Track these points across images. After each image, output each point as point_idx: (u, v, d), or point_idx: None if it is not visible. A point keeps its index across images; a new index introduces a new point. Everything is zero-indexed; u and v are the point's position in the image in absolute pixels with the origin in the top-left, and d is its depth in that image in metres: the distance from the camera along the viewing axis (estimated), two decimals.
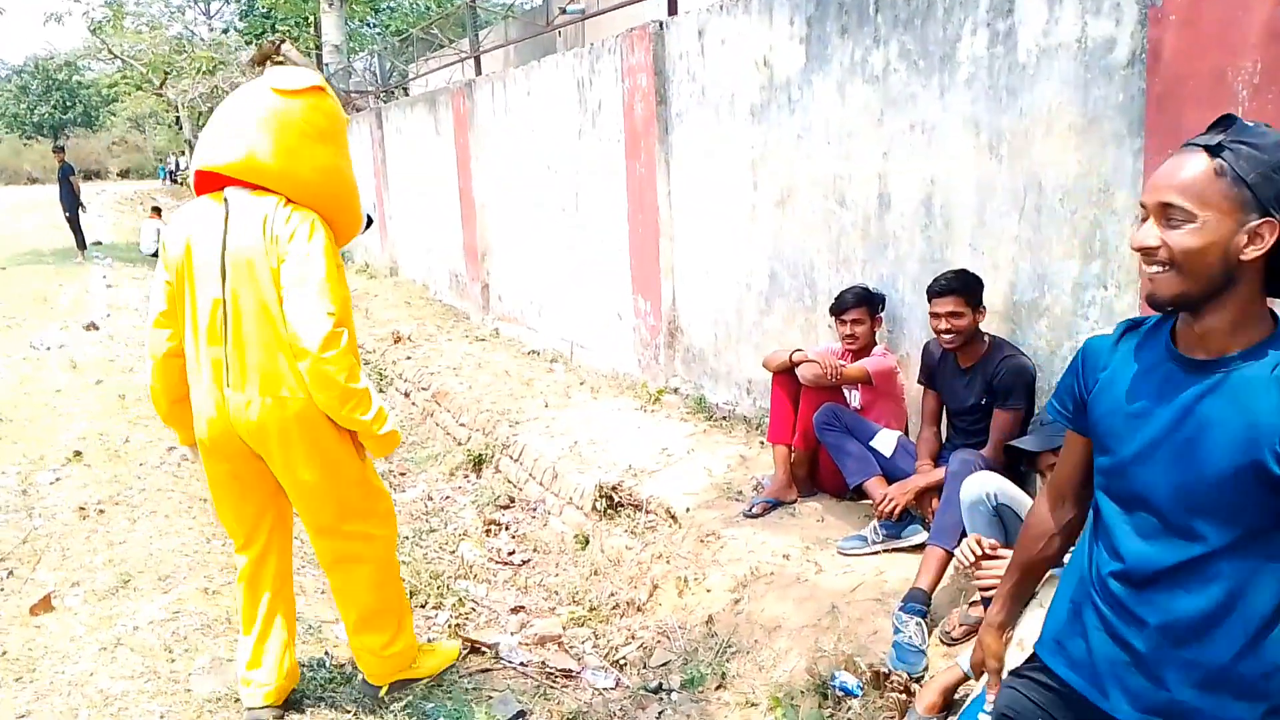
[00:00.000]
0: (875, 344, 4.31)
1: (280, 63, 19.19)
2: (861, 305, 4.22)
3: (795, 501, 4.34)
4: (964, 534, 3.29)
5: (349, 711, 3.18)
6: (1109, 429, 1.69)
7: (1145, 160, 3.20)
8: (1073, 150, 3.49)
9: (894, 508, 3.73)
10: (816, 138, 4.76)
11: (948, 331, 3.66)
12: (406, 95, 14.15)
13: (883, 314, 4.33)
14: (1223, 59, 2.93)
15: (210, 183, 2.84)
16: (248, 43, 24.26)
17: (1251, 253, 1.50)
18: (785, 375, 4.34)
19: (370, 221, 3.16)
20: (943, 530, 3.34)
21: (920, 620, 3.13)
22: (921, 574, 3.29)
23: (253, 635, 3.04)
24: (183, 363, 2.88)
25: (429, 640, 3.71)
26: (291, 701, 3.13)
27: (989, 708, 1.95)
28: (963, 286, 3.63)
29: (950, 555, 3.29)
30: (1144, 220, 1.60)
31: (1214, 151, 1.50)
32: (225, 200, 2.75)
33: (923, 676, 2.99)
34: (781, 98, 4.97)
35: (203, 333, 2.75)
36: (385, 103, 13.54)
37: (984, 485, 3.20)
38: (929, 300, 3.71)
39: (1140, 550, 1.62)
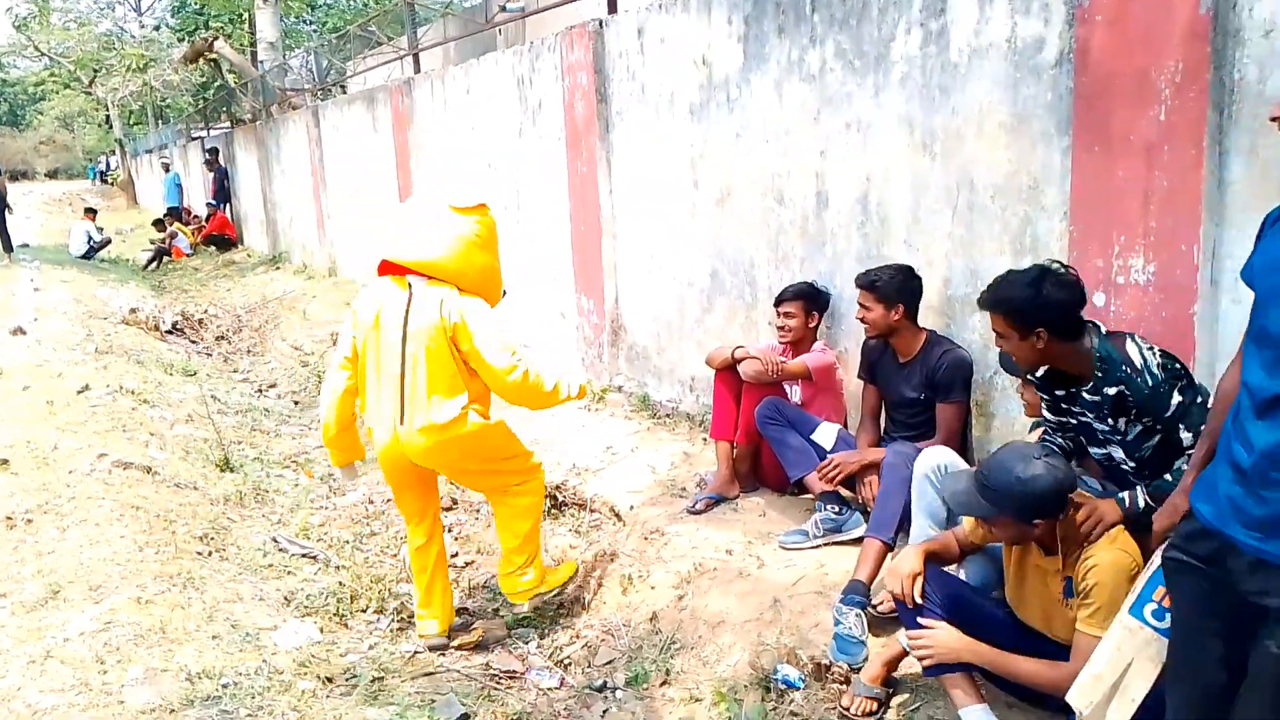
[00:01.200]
0: (815, 340, 4.35)
1: (213, 60, 18.85)
2: (798, 299, 4.26)
3: (737, 497, 4.37)
4: (905, 522, 3.35)
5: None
6: (1253, 278, 1.90)
7: (1073, 158, 3.28)
8: (1003, 148, 3.56)
9: (838, 474, 3.80)
10: (755, 136, 4.79)
11: (862, 320, 3.83)
12: (344, 93, 13.96)
13: (821, 313, 4.35)
14: (1147, 58, 3.01)
15: (392, 267, 3.69)
16: (180, 39, 23.73)
17: None
18: (727, 372, 4.36)
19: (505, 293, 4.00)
20: (881, 522, 3.39)
21: (860, 611, 3.17)
22: (860, 566, 3.33)
23: (425, 586, 3.93)
24: (354, 399, 3.78)
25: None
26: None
27: None
28: (868, 284, 3.76)
29: (889, 548, 3.34)
30: None
31: None
32: (409, 286, 3.60)
33: (862, 667, 3.03)
34: (720, 96, 5.00)
35: (385, 381, 3.59)
36: (322, 101, 13.35)
37: (937, 458, 3.27)
38: None
39: (1261, 381, 1.80)
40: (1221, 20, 2.84)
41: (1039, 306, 2.67)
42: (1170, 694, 2.10)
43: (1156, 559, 2.20)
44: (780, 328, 4.32)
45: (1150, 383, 2.63)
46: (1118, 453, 2.82)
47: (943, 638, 2.61)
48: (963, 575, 3.09)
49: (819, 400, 4.27)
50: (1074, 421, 2.92)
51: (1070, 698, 2.34)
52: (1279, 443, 1.76)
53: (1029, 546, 2.72)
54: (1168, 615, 2.14)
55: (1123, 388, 2.68)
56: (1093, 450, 2.93)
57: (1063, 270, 2.73)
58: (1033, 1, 3.37)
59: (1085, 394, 2.79)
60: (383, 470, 3.80)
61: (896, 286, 3.73)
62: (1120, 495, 2.65)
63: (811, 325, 4.32)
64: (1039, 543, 2.68)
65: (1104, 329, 2.78)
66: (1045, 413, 3.02)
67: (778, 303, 4.34)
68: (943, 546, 2.89)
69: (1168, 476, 2.66)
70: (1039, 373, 2.91)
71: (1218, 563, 1.88)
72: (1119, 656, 2.26)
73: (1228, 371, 2.10)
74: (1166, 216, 3.02)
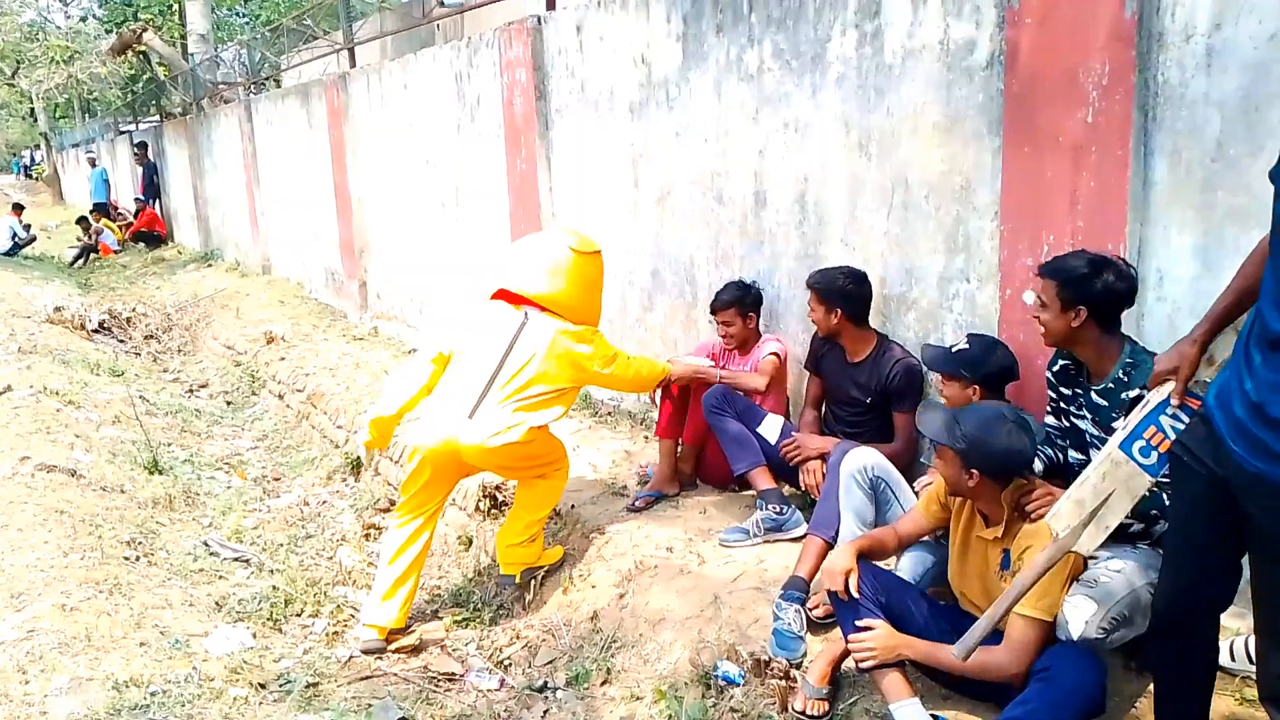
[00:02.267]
0: (758, 336, 4.38)
1: (142, 52, 18.37)
2: (731, 307, 4.29)
3: (678, 495, 4.38)
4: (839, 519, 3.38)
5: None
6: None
7: (1004, 158, 3.34)
8: (937, 148, 3.61)
9: (800, 455, 3.87)
10: (694, 135, 4.80)
11: (811, 319, 3.92)
12: (278, 87, 13.70)
13: (757, 311, 4.36)
14: (1074, 60, 3.07)
15: (507, 294, 4.05)
16: (108, 31, 23.07)
17: None
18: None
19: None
20: (822, 521, 3.41)
21: (800, 607, 3.19)
22: (801, 562, 3.35)
23: (397, 577, 3.92)
24: (424, 396, 4.02)
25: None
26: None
27: (1171, 411, 2.31)
28: (810, 285, 3.87)
29: (830, 545, 3.36)
30: None
31: None
32: (525, 314, 3.95)
33: (802, 662, 3.05)
34: (660, 95, 5.00)
35: (468, 383, 3.85)
36: (255, 95, 13.08)
37: (863, 459, 3.31)
38: None
39: (1270, 314, 1.93)
40: (1146, 24, 2.91)
41: (1090, 285, 2.75)
42: (1162, 575, 2.33)
43: (1154, 398, 2.37)
44: (723, 335, 4.36)
45: None
46: None
47: (881, 638, 2.64)
48: (898, 572, 3.13)
49: (766, 393, 4.29)
50: (1068, 425, 2.98)
51: (1050, 520, 2.48)
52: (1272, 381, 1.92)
53: (973, 518, 2.78)
54: (1154, 453, 2.35)
55: (1144, 390, 2.74)
56: (1073, 455, 2.99)
57: (1124, 264, 2.81)
58: (964, 4, 3.43)
59: (1094, 394, 2.85)
60: (422, 461, 3.88)
61: (836, 290, 3.79)
62: None
63: (751, 326, 4.34)
64: (979, 508, 2.75)
65: (1137, 343, 2.86)
66: (1047, 418, 3.08)
67: (713, 311, 4.36)
68: (876, 543, 2.93)
69: None
70: (1055, 367, 2.98)
71: (1221, 466, 2.04)
72: (1102, 486, 2.41)
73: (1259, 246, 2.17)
74: (1094, 216, 3.09)
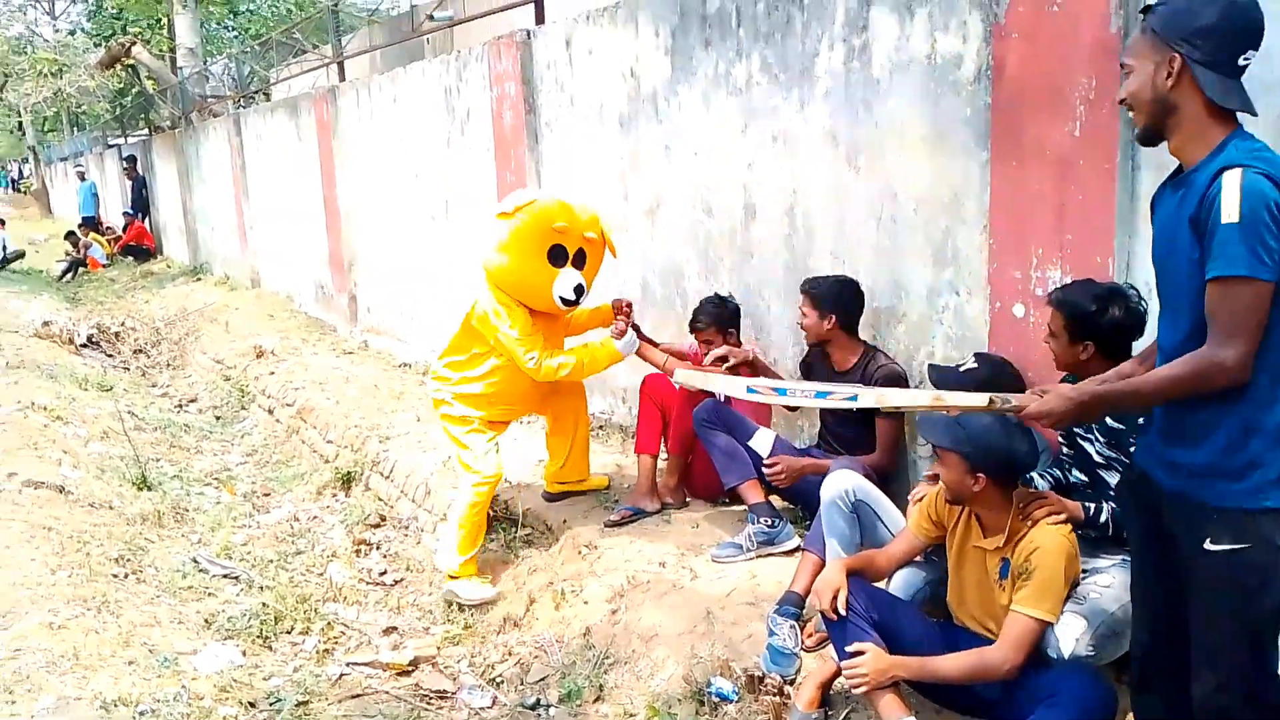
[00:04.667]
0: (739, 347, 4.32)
1: (131, 66, 18.34)
2: (710, 327, 4.26)
3: (658, 511, 4.35)
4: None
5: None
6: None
7: (992, 171, 3.35)
8: (925, 161, 3.62)
9: (784, 475, 3.83)
10: (684, 148, 4.81)
11: (801, 326, 3.91)
12: (267, 100, 13.69)
13: (736, 325, 4.33)
14: (1061, 75, 3.08)
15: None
16: (96, 44, 22.98)
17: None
18: (654, 386, 4.36)
19: None
20: (818, 536, 3.39)
21: (794, 623, 3.18)
22: (796, 578, 3.34)
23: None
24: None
25: None
26: None
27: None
28: (805, 290, 3.85)
29: (824, 562, 3.35)
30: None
31: (1144, 13, 2.06)
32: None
33: (795, 679, 3.05)
34: (649, 108, 5.01)
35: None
36: (244, 108, 13.07)
37: (842, 483, 3.29)
38: None
39: (1165, 338, 2.11)
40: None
41: (1097, 321, 2.77)
42: (1133, 631, 2.38)
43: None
44: (705, 353, 4.27)
45: None
46: (1113, 478, 2.83)
47: (872, 662, 2.63)
48: (891, 590, 3.12)
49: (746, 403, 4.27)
50: (1074, 449, 2.97)
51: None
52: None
53: (969, 528, 2.78)
54: None
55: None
56: (1075, 475, 2.98)
57: (1135, 298, 2.82)
58: (951, 18, 3.44)
59: (1109, 418, 2.84)
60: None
61: (832, 296, 3.78)
62: (1087, 504, 2.76)
63: (732, 342, 4.29)
64: (978, 516, 2.74)
65: None
66: (1061, 445, 3.04)
67: (692, 331, 4.32)
68: (866, 562, 2.94)
69: None
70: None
71: (1152, 501, 2.15)
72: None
73: None
74: (1082, 228, 3.10)
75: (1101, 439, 2.86)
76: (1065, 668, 2.54)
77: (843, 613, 2.70)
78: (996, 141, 3.32)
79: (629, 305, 4.37)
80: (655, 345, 4.39)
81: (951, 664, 2.63)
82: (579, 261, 4.19)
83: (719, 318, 4.27)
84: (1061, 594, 2.56)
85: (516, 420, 4.65)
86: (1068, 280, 3.14)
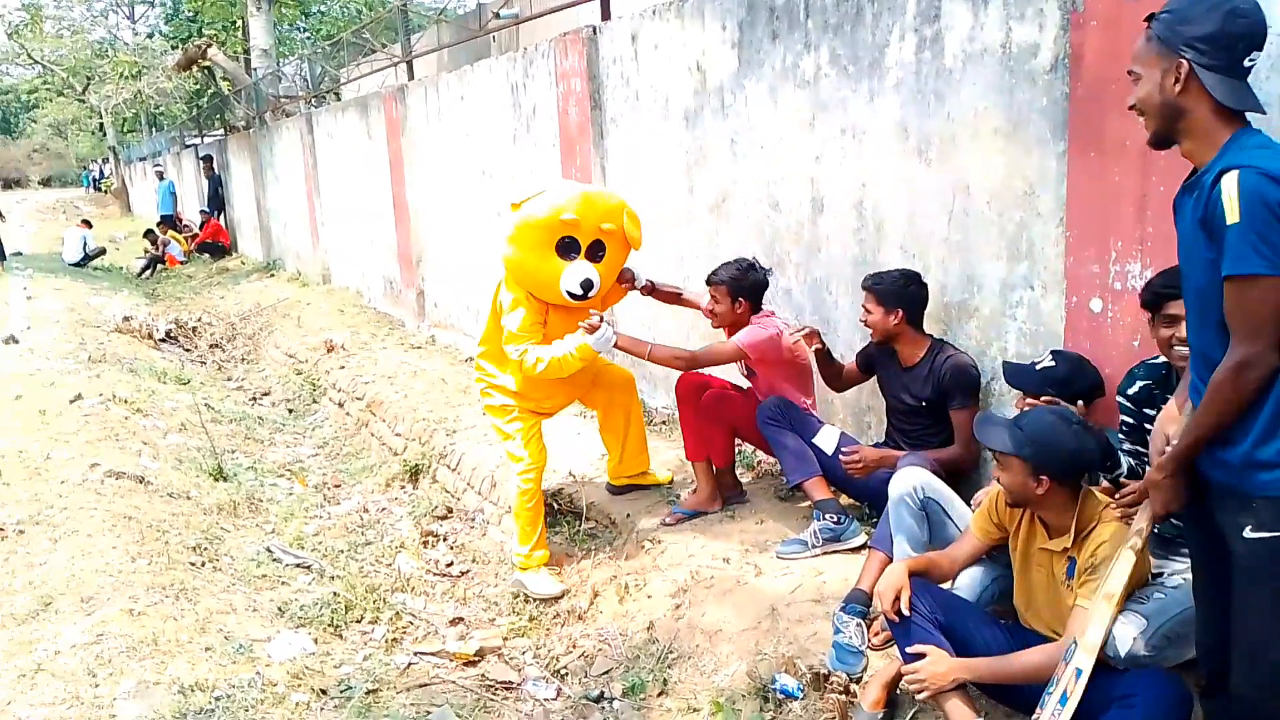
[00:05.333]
0: (749, 322, 4.14)
1: (206, 67, 18.82)
2: (722, 285, 4.12)
3: (719, 510, 4.34)
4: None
5: None
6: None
7: (1069, 163, 3.26)
8: (998, 154, 3.54)
9: (862, 465, 3.77)
10: (750, 142, 4.78)
11: (865, 323, 3.83)
12: (338, 100, 13.93)
13: (750, 298, 4.14)
14: None
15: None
16: (173, 47, 23.63)
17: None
18: (688, 392, 4.33)
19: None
20: (885, 534, 3.34)
21: (860, 621, 3.14)
22: (863, 576, 3.30)
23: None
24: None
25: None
26: None
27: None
28: (869, 286, 3.76)
29: (891, 560, 3.30)
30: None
31: (1148, 21, 2.10)
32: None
33: (861, 677, 3.01)
34: (715, 102, 4.98)
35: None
36: (316, 107, 13.32)
37: (911, 480, 3.24)
38: None
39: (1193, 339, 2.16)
40: None
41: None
42: (1196, 633, 2.35)
43: None
44: (707, 312, 4.26)
45: None
46: None
47: (935, 665, 2.58)
48: (956, 591, 3.06)
49: (769, 376, 4.18)
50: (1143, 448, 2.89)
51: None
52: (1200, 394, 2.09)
53: (1033, 530, 2.71)
54: None
55: None
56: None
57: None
58: (1027, 7, 3.36)
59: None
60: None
61: (896, 291, 3.69)
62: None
63: (740, 311, 4.14)
64: (1042, 518, 2.68)
65: None
66: (1123, 442, 2.93)
67: (707, 283, 4.22)
68: (930, 564, 2.89)
69: None
70: (1133, 389, 2.86)
71: (1196, 492, 2.17)
72: None
73: None
74: (1163, 222, 3.00)
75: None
76: (1139, 669, 2.47)
77: (906, 613, 2.66)
78: (1074, 133, 3.23)
79: (631, 275, 4.36)
80: (679, 295, 4.46)
81: (1017, 664, 2.57)
82: (596, 254, 4.12)
83: (735, 281, 4.11)
84: (1125, 589, 2.47)
85: (557, 410, 4.57)
86: (1147, 274, 3.05)
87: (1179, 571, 2.67)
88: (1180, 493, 2.19)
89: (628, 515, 4.47)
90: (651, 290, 4.51)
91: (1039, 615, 2.75)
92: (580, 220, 4.02)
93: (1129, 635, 2.48)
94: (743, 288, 4.12)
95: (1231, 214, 1.91)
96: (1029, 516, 2.75)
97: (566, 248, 4.05)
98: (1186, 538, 2.39)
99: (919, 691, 2.60)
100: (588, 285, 4.06)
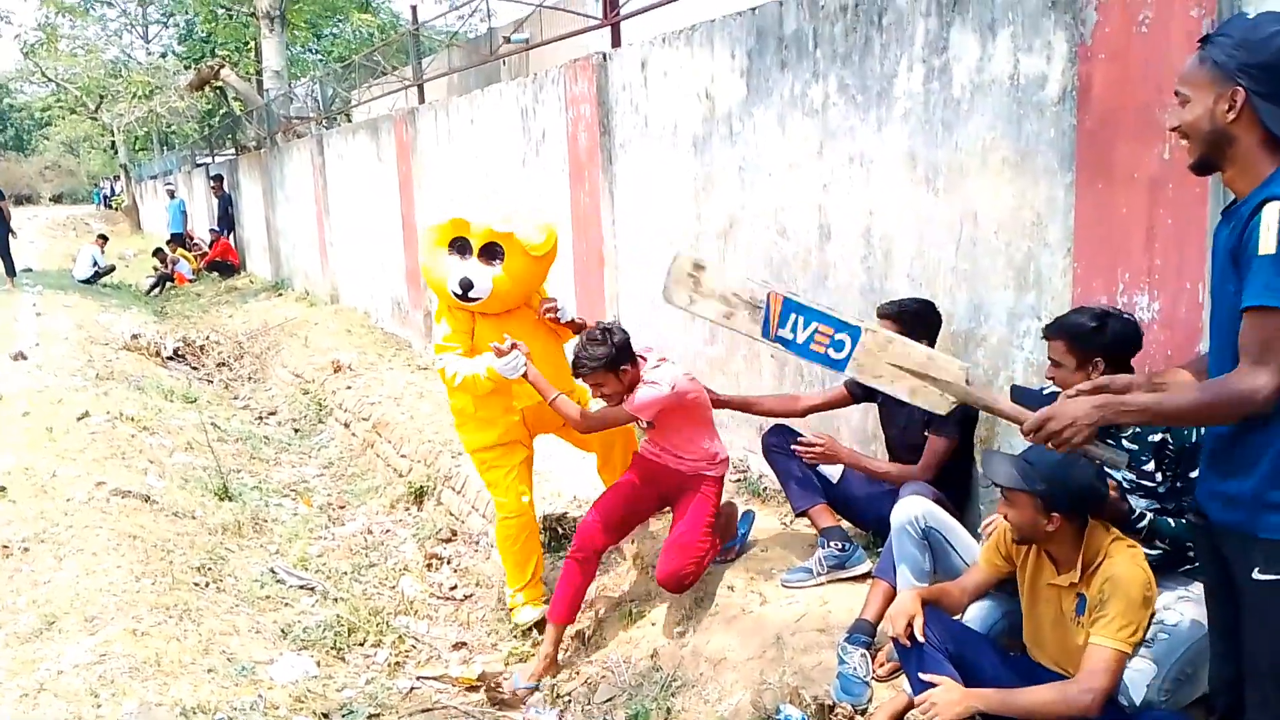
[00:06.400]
0: (639, 381, 3.80)
1: (219, 87, 18.98)
2: (597, 370, 3.71)
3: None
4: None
5: None
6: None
7: (1077, 193, 3.27)
8: (1006, 184, 3.56)
9: (817, 451, 3.74)
10: (758, 169, 4.80)
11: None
12: (349, 122, 14.03)
13: (626, 361, 3.77)
14: (1150, 95, 3.01)
15: None
16: (186, 67, 23.87)
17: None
18: (590, 555, 3.99)
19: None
20: (889, 564, 3.32)
21: (865, 651, 3.13)
22: (867, 606, 3.29)
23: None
24: None
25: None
26: None
27: None
28: (885, 315, 3.65)
29: (895, 590, 3.29)
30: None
31: (1201, 44, 2.04)
32: None
33: (867, 708, 2.99)
34: (723, 129, 5.01)
35: None
36: (327, 129, 13.42)
37: (912, 509, 3.22)
38: None
39: (1213, 369, 2.11)
40: None
41: (1099, 338, 2.79)
42: (1210, 663, 2.34)
43: None
44: (597, 397, 3.95)
45: (1191, 435, 2.68)
46: (1139, 503, 2.78)
47: (947, 694, 2.56)
48: (966, 623, 3.04)
49: (670, 428, 3.92)
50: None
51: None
52: (1213, 434, 2.14)
53: (1040, 566, 2.70)
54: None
55: (1166, 434, 2.74)
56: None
57: (1125, 314, 2.87)
58: (1035, 39, 3.38)
59: (1124, 440, 2.79)
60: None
61: (912, 316, 3.64)
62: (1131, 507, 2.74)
63: (626, 379, 3.78)
64: (1050, 553, 2.65)
65: None
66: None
67: (579, 376, 3.84)
68: (941, 594, 2.87)
69: None
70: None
71: (1205, 529, 2.17)
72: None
73: None
74: (1171, 253, 3.01)
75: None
76: (1151, 711, 2.45)
77: (919, 639, 2.64)
78: (1082, 164, 3.25)
79: (552, 302, 4.17)
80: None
81: (1031, 697, 2.54)
82: (491, 256, 4.03)
83: (607, 360, 3.69)
84: (1141, 623, 2.45)
85: (528, 440, 4.32)
86: (1155, 306, 3.06)
87: (1174, 605, 2.66)
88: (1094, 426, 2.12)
89: (631, 541, 4.46)
90: (572, 327, 4.25)
91: (1046, 650, 2.73)
92: (471, 221, 4.07)
93: (1143, 683, 2.47)
94: (617, 360, 3.73)
95: (1267, 245, 1.87)
96: (1036, 551, 2.73)
97: (459, 248, 4.09)
98: (1205, 578, 2.36)
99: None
100: (466, 284, 3.98)
